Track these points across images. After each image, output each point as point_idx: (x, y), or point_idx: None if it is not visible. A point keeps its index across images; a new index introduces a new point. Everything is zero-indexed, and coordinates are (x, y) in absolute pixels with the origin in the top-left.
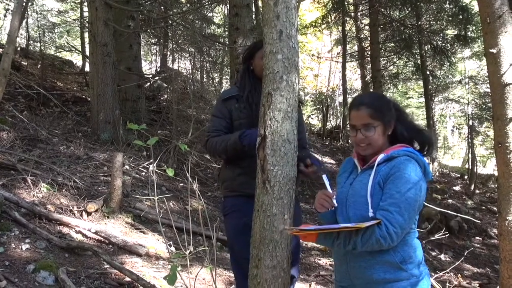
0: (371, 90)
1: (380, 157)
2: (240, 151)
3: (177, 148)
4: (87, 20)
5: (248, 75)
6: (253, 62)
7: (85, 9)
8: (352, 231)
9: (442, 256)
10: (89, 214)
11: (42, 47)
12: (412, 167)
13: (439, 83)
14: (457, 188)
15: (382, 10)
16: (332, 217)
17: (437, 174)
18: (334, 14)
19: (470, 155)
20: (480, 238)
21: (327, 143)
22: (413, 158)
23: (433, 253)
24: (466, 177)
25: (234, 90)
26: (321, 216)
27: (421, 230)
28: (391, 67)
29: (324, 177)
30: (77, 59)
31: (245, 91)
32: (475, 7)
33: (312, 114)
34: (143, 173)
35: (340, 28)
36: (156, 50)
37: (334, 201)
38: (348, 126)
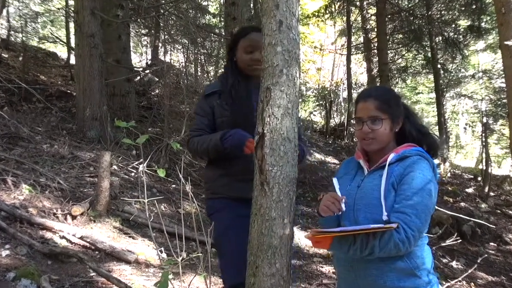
0: (378, 84)
1: (391, 156)
2: (222, 154)
3: (169, 147)
4: (72, 9)
5: (231, 68)
6: (236, 52)
7: None
8: (369, 235)
9: (453, 263)
10: (74, 217)
11: (24, 38)
12: (425, 167)
13: (450, 77)
14: (470, 190)
15: None
16: (335, 222)
17: (448, 175)
18: (338, 3)
19: (484, 154)
20: (495, 244)
21: (330, 142)
22: (425, 158)
23: (444, 260)
24: (479, 178)
25: (216, 85)
26: (323, 221)
27: (432, 236)
28: (399, 60)
29: (335, 180)
30: (61, 51)
31: (227, 85)
32: None
33: (315, 111)
34: (133, 174)
35: (344, 18)
36: (147, 42)
37: (343, 205)
38: (353, 122)
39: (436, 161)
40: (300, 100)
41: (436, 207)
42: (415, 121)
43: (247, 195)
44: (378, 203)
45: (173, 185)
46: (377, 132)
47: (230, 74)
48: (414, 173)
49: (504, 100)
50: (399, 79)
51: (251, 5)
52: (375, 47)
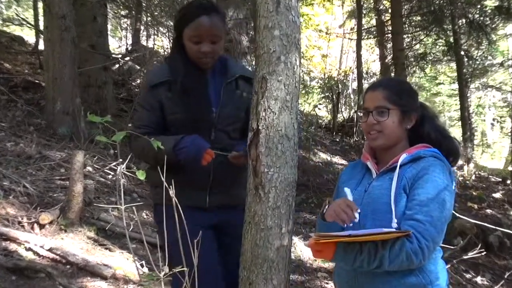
0: (392, 73)
1: (403, 157)
2: (176, 165)
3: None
4: None
5: (180, 53)
6: (182, 40)
7: None
8: (378, 244)
9: (478, 279)
10: (42, 227)
11: None
12: (441, 169)
13: (476, 66)
14: (497, 195)
15: None
16: (335, 228)
17: (473, 178)
18: None
19: None
20: None
21: (337, 140)
22: (441, 160)
23: (468, 275)
24: (509, 181)
25: (164, 73)
26: (324, 226)
27: (453, 247)
28: (417, 46)
29: (347, 190)
30: (29, 35)
31: (178, 75)
32: None
33: (320, 104)
34: (110, 176)
35: None
36: (127, 24)
37: (357, 215)
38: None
39: (458, 161)
40: (303, 91)
41: (457, 215)
42: (434, 122)
43: (203, 205)
44: (387, 209)
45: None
46: (384, 124)
47: (179, 63)
48: (429, 176)
49: None
50: (417, 67)
51: None
52: (389, 31)
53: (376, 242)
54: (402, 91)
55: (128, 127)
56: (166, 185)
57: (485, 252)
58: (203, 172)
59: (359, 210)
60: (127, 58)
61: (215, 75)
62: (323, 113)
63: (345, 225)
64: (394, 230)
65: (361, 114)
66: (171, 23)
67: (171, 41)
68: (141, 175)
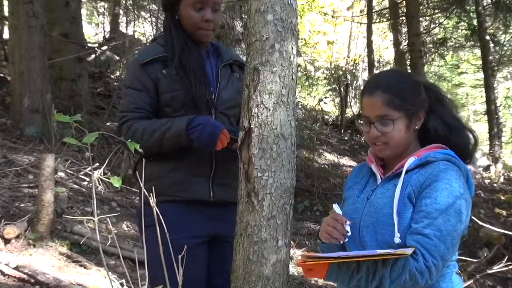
0: (408, 62)
1: (410, 161)
2: (184, 147)
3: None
4: None
5: (175, 28)
6: (179, 11)
7: None
8: (378, 262)
9: None
10: (7, 241)
11: None
12: (455, 175)
13: (503, 52)
14: None
15: None
16: (337, 246)
17: (501, 180)
18: None
19: None
20: None
21: (346, 138)
22: (455, 164)
23: None
24: None
25: (157, 50)
26: (324, 247)
27: (477, 260)
28: (436, 30)
29: (335, 206)
30: None
31: (174, 50)
32: None
33: (325, 97)
34: (85, 183)
35: None
36: (104, 8)
37: (348, 228)
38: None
39: (484, 161)
40: (307, 83)
41: (482, 224)
42: (443, 112)
43: (206, 197)
44: (389, 220)
45: (138, 197)
46: (389, 135)
47: (175, 38)
48: (438, 184)
49: None
50: (436, 54)
51: None
52: (404, 13)
53: (376, 260)
54: (404, 90)
55: (106, 126)
56: (162, 174)
57: None
58: (205, 159)
59: (348, 222)
60: (105, 48)
61: (209, 56)
62: (330, 107)
63: (341, 242)
64: (388, 251)
65: (362, 122)
66: (154, 7)
67: (164, 19)
68: (116, 182)
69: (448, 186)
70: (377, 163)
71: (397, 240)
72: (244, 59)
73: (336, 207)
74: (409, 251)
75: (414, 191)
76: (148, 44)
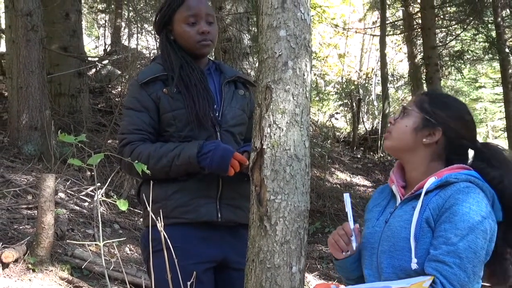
0: (423, 76)
1: (430, 181)
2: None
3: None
4: None
5: (172, 47)
6: (173, 30)
7: None
8: None
9: None
10: (5, 266)
11: None
12: (476, 198)
13: None
14: None
15: None
16: (354, 266)
17: None
18: None
19: None
20: None
21: (359, 156)
22: (478, 186)
23: None
24: None
25: (157, 69)
26: (338, 265)
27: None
28: (453, 43)
29: (346, 195)
30: None
31: (174, 68)
32: None
33: (337, 113)
34: (86, 204)
35: None
36: (105, 21)
37: (353, 240)
38: None
39: None
40: (317, 98)
41: None
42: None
43: (214, 218)
44: (406, 245)
45: (142, 219)
46: (396, 125)
47: (173, 56)
48: (458, 208)
49: None
50: (452, 68)
51: None
52: (419, 25)
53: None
54: (439, 101)
55: (108, 144)
56: (167, 196)
57: None
58: (211, 180)
59: (356, 232)
60: (106, 62)
61: (211, 73)
62: (341, 124)
63: (348, 252)
64: (407, 285)
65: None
66: None
67: (158, 41)
68: (123, 206)
69: (468, 210)
70: (398, 183)
71: (414, 266)
72: (252, 73)
73: (346, 196)
74: (426, 282)
75: (433, 215)
76: (151, 58)
